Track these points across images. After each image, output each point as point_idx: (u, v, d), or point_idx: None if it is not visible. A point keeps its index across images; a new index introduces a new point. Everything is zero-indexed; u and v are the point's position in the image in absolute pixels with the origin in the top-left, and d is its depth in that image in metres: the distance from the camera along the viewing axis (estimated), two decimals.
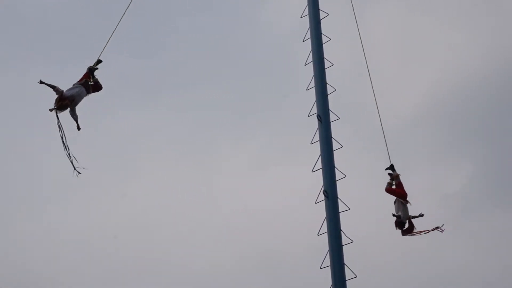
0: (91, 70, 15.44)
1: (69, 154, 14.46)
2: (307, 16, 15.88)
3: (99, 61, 15.57)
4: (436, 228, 17.10)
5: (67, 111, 14.82)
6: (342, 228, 13.88)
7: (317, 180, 14.45)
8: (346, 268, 13.52)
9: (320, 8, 15.85)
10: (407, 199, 17.15)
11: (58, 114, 14.61)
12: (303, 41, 15.72)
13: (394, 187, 17.42)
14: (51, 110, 14.56)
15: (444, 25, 36.01)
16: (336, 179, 14.32)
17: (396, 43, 36.72)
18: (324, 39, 15.61)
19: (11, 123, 35.85)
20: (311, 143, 14.80)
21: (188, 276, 29.68)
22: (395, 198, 17.23)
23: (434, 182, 32.90)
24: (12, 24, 38.97)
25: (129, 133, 36.52)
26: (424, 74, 36.12)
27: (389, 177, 17.53)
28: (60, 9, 39.53)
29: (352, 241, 13.74)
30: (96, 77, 15.48)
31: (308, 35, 15.71)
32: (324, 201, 14.14)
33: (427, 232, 17.10)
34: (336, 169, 14.41)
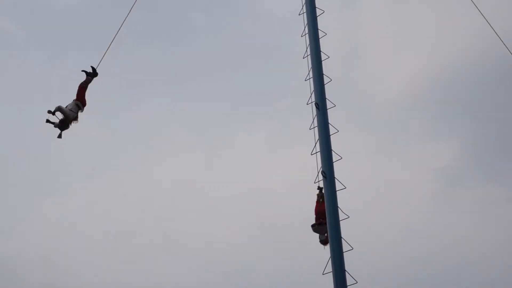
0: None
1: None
2: (305, 13, 15.98)
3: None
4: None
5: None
6: (339, 205, 13.99)
7: (316, 162, 14.60)
8: (343, 240, 13.61)
9: (316, 5, 15.96)
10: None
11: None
12: (301, 36, 15.84)
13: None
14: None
15: (432, 12, 35.96)
16: (333, 161, 14.45)
17: (387, 31, 36.86)
18: (320, 33, 15.71)
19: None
20: (310, 129, 14.99)
21: (203, 252, 30.01)
22: None
23: (423, 158, 33.19)
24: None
25: (153, 119, 37.10)
26: (415, 59, 36.25)
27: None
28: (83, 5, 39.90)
29: (348, 217, 13.86)
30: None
31: (306, 31, 15.84)
32: (322, 180, 14.31)
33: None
34: (333, 152, 14.55)
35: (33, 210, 34.60)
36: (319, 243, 15.93)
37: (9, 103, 38.09)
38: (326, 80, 15.22)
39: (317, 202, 16.14)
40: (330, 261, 13.44)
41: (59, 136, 14.57)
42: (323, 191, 15.48)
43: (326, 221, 14.48)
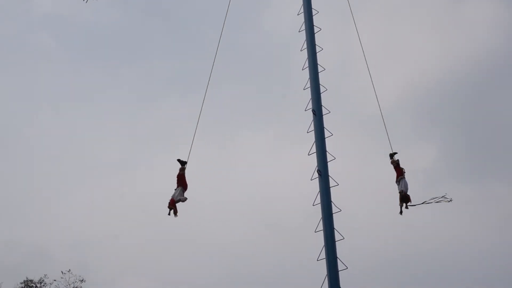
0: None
1: None
2: (304, 31, 17.16)
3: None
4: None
5: None
6: (332, 200, 15.09)
7: (312, 161, 15.73)
8: (335, 231, 14.70)
9: (314, 23, 17.18)
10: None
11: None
12: (301, 51, 17.01)
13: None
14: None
15: (418, 33, 37.57)
16: (328, 161, 15.58)
17: (379, 46, 38.19)
18: (317, 48, 16.88)
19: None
20: (307, 132, 16.07)
21: (206, 250, 30.89)
22: None
23: (407, 160, 34.51)
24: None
25: (170, 122, 38.40)
26: (400, 73, 37.74)
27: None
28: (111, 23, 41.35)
29: (341, 210, 14.98)
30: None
31: (305, 46, 17.02)
32: (317, 178, 15.43)
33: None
34: (327, 153, 15.69)
35: (55, 203, 35.69)
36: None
37: (30, 105, 39.31)
38: (322, 89, 16.36)
39: (183, 175, 17.23)
40: (323, 249, 14.61)
41: None
42: (183, 165, 17.15)
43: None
